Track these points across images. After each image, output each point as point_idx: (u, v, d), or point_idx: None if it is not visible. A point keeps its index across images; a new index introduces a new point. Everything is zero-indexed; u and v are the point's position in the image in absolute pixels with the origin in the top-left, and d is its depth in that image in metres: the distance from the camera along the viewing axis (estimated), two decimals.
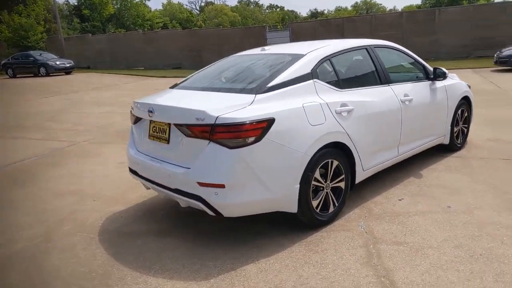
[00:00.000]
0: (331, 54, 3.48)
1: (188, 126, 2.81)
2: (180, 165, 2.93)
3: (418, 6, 75.04)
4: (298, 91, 3.08)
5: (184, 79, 3.99)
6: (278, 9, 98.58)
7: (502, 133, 5.78)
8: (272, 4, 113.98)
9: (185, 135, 2.87)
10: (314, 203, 3.09)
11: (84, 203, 4.15)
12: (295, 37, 23.10)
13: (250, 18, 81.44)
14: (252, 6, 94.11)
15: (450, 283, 2.41)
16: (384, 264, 2.66)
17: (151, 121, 3.24)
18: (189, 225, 3.47)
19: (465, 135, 5.21)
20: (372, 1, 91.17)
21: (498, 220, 3.17)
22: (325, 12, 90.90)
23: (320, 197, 3.14)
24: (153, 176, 3.19)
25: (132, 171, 3.52)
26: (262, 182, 2.77)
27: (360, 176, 3.51)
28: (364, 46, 3.87)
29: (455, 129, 4.89)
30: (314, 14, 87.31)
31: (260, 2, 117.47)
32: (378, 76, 3.82)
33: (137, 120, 3.43)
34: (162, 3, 67.25)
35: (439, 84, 4.54)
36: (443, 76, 4.42)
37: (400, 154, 4.02)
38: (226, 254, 2.93)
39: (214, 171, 2.72)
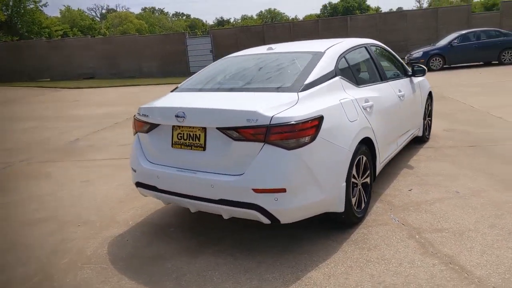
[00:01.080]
0: (345, 51, 3.50)
1: (238, 129, 2.56)
2: (226, 173, 2.66)
3: (318, 16, 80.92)
4: (330, 88, 3.02)
5: (188, 81, 3.65)
6: (184, 17, 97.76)
7: (451, 123, 6.43)
8: (178, 12, 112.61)
9: (232, 139, 2.60)
10: (353, 200, 3.05)
11: (68, 230, 3.56)
12: (217, 44, 23.06)
13: (157, 26, 79.25)
14: (157, 14, 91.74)
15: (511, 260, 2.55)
16: (442, 251, 2.72)
17: (174, 128, 2.89)
18: (214, 238, 3.17)
19: (430, 127, 5.66)
20: (276, 10, 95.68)
21: (506, 198, 3.47)
22: (231, 20, 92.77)
23: (356, 194, 3.11)
24: (184, 189, 2.84)
25: (147, 186, 3.10)
26: (318, 183, 2.64)
27: (378, 170, 3.57)
28: (363, 44, 3.97)
29: (424, 122, 5.28)
30: (221, 22, 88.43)
31: (166, 10, 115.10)
32: (379, 73, 3.95)
33: (151, 127, 3.03)
34: (60, 10, 61.76)
35: (415, 80, 4.88)
36: (423, 73, 4.73)
37: (398, 146, 4.20)
38: (278, 264, 2.73)
39: (273, 175, 2.51)
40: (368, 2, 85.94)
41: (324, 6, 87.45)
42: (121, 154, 6.18)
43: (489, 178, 3.96)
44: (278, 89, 2.90)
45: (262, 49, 3.84)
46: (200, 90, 3.33)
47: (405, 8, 66.85)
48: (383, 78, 3.97)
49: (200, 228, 3.38)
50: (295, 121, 2.50)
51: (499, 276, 2.39)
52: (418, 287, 2.35)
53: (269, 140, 2.50)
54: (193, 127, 2.79)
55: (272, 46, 3.86)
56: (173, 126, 2.91)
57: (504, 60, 14.98)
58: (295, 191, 2.53)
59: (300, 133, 2.50)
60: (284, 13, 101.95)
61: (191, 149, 2.81)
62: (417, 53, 15.71)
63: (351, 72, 3.48)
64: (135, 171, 3.19)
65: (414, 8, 73.60)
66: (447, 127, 6.21)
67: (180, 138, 2.88)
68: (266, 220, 2.59)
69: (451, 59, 15.25)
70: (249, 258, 2.84)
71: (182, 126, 2.84)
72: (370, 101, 3.36)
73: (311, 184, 2.60)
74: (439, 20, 20.50)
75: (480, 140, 5.34)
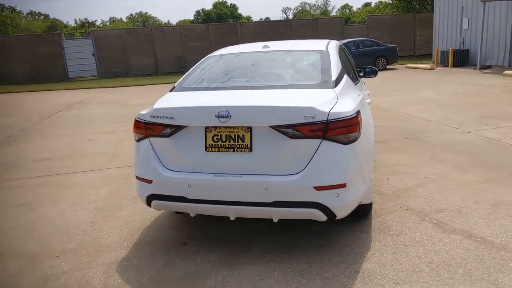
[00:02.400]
0: (339, 51, 3.65)
1: (295, 126, 2.46)
2: (280, 173, 2.53)
3: (192, 21, 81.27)
4: (346, 85, 3.12)
5: (187, 79, 3.31)
6: (42, 17, 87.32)
7: (374, 120, 7.21)
8: (33, 11, 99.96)
9: (289, 137, 2.49)
10: None
11: (46, 265, 2.93)
12: (100, 46, 21.27)
13: (10, 26, 68.89)
14: (8, 12, 79.77)
15: None
16: (456, 227, 3.06)
17: (208, 129, 2.63)
18: (240, 246, 2.98)
19: None
20: (147, 14, 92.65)
21: (470, 179, 4.07)
22: (98, 22, 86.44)
23: None
24: (225, 195, 2.60)
25: (169, 198, 2.74)
26: (363, 176, 2.71)
27: None
28: (340, 44, 4.20)
29: None
30: (84, 24, 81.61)
31: (18, 8, 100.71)
32: (354, 71, 4.23)
33: (176, 130, 2.68)
34: None
35: (363, 80, 5.35)
36: (375, 73, 5.20)
37: None
38: (327, 261, 2.71)
39: (333, 171, 2.49)
40: (239, 11, 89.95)
41: (198, 12, 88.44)
42: (45, 170, 5.31)
43: (444, 164, 4.59)
44: (312, 86, 2.88)
45: (257, 47, 3.73)
46: (219, 88, 3.07)
47: (272, 18, 72.19)
48: (357, 76, 4.26)
49: (216, 238, 3.13)
50: (348, 116, 2.53)
51: None
52: (463, 261, 2.61)
53: (327, 136, 2.48)
54: (235, 127, 2.58)
55: (267, 44, 3.79)
56: (206, 128, 2.64)
57: (378, 67, 17.35)
58: (352, 185, 2.56)
59: (353, 128, 2.54)
60: (156, 17, 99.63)
61: (234, 151, 2.60)
62: None
63: (347, 70, 3.66)
64: (149, 182, 2.78)
65: (282, 18, 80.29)
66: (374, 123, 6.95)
67: (217, 140, 2.62)
68: (323, 218, 2.56)
69: None
70: (294, 260, 2.76)
71: (220, 127, 2.60)
72: (367, 98, 3.59)
73: (360, 178, 2.66)
74: (319, 30, 22.67)
75: (410, 132, 6.14)
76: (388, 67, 17.77)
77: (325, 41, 3.80)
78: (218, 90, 3.02)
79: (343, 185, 2.50)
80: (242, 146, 2.58)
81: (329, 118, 2.47)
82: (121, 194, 4.27)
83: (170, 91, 3.21)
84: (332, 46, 3.58)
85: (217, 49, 4.00)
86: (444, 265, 2.58)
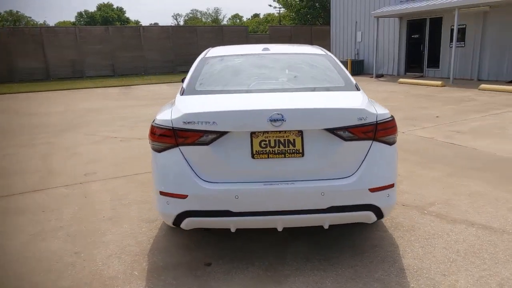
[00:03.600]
0: None
1: (349, 128, 2.42)
2: (334, 177, 2.45)
3: (73, 23, 74.91)
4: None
5: (199, 81, 2.97)
6: None
7: None
8: None
9: (343, 139, 2.42)
10: None
11: None
12: None
13: None
14: None
15: None
16: (459, 218, 3.36)
17: (254, 135, 2.41)
18: (269, 259, 2.80)
19: None
20: (20, 13, 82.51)
21: (438, 174, 4.51)
22: None
23: None
24: (276, 205, 2.41)
25: (209, 213, 2.43)
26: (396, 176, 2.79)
27: None
28: None
29: None
30: None
31: None
32: None
33: (217, 137, 2.40)
34: None
35: None
36: None
37: None
38: (369, 263, 2.72)
39: (384, 171, 2.51)
40: (127, 15, 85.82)
41: (80, 14, 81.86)
42: None
43: (405, 162, 5.00)
44: (340, 88, 2.86)
45: (257, 49, 3.55)
46: (252, 91, 2.82)
47: (160, 24, 70.29)
48: None
49: (240, 253, 2.89)
50: (390, 118, 2.58)
51: None
52: (482, 247, 2.87)
53: (377, 137, 2.49)
54: (285, 132, 2.42)
55: (268, 46, 3.63)
56: (252, 133, 2.42)
57: None
58: (395, 185, 2.61)
59: (395, 129, 2.60)
60: (30, 17, 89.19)
61: (285, 157, 2.43)
62: None
63: None
64: (183, 197, 2.44)
65: (173, 24, 78.87)
66: None
67: (265, 146, 2.42)
68: (373, 220, 2.55)
69: None
70: (336, 266, 2.70)
71: (269, 132, 2.41)
72: None
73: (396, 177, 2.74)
74: (224, 37, 22.88)
75: None
76: None
77: (312, 46, 3.83)
78: (252, 92, 2.78)
79: (392, 185, 2.54)
80: (294, 151, 2.43)
81: (378, 120, 2.49)
82: (90, 216, 3.66)
83: (182, 94, 2.87)
84: (326, 50, 3.63)
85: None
86: (470, 253, 2.80)
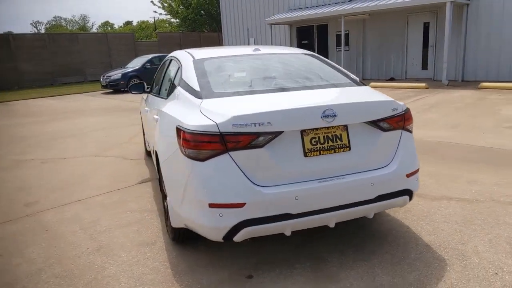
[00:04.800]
0: None
1: (386, 119, 2.54)
2: (377, 167, 2.54)
3: None
4: None
5: (217, 86, 2.75)
6: None
7: None
8: None
9: (382, 130, 2.53)
10: None
11: None
12: None
13: None
14: None
15: None
16: (442, 195, 3.79)
17: (305, 132, 2.36)
18: (311, 262, 2.78)
19: None
20: None
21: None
22: None
23: None
24: (331, 201, 2.40)
25: (268, 219, 2.29)
26: None
27: None
28: None
29: None
30: None
31: None
32: None
33: (271, 138, 2.27)
34: None
35: None
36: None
37: None
38: (398, 247, 2.90)
39: (412, 157, 2.70)
40: None
41: None
42: None
43: None
44: (351, 84, 2.97)
45: (248, 50, 3.42)
46: (277, 90, 2.73)
47: (15, 32, 62.08)
48: None
49: (273, 260, 2.78)
50: (407, 108, 2.80)
51: None
52: (480, 215, 3.28)
53: (404, 126, 2.67)
54: (332, 127, 2.42)
55: (260, 47, 3.52)
56: (303, 131, 2.36)
57: None
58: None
59: (412, 118, 2.83)
60: None
61: (335, 152, 2.43)
62: (116, 75, 15.94)
63: None
64: (240, 206, 2.24)
65: (31, 32, 70.31)
66: None
67: (315, 143, 2.39)
68: (406, 203, 2.72)
69: (147, 80, 16.52)
70: (373, 255, 2.79)
71: (318, 129, 2.38)
72: None
73: None
74: (110, 45, 21.33)
75: None
76: None
77: (292, 47, 3.91)
78: (280, 91, 2.69)
79: (418, 170, 2.76)
80: (341, 145, 2.45)
81: (404, 110, 2.68)
82: (69, 251, 3.09)
83: (200, 97, 2.62)
84: (307, 51, 3.74)
85: None
86: (467, 222, 3.18)
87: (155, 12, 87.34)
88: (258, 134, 2.27)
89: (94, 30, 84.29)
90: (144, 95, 5.17)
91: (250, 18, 19.23)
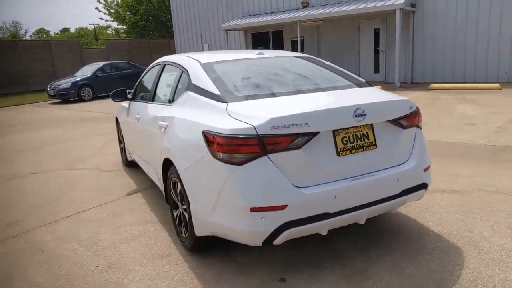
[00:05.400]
0: None
1: (405, 117, 2.67)
2: (399, 163, 2.66)
3: None
4: None
5: (239, 88, 2.73)
6: None
7: None
8: None
9: (403, 128, 2.65)
10: None
11: None
12: None
13: None
14: None
15: None
16: (438, 188, 4.00)
17: (337, 132, 2.41)
18: (345, 263, 2.83)
19: None
20: None
21: None
22: None
23: None
24: (363, 199, 2.46)
25: (308, 220, 2.30)
26: None
27: None
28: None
29: None
30: None
31: None
32: None
33: (308, 139, 2.29)
34: None
35: None
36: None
37: None
38: (414, 240, 3.03)
39: (426, 153, 2.84)
40: None
41: None
42: None
43: None
44: (362, 85, 3.07)
45: (252, 54, 3.41)
46: (301, 91, 2.76)
47: None
48: None
49: (295, 262, 2.79)
50: (417, 107, 2.95)
51: None
52: (473, 203, 3.53)
53: (417, 123, 2.82)
54: (360, 127, 2.49)
55: (261, 52, 3.52)
56: (334, 131, 2.40)
57: None
58: None
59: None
60: None
61: (363, 150, 2.50)
62: (65, 84, 15.05)
63: None
64: (282, 208, 2.23)
65: None
66: None
67: (346, 142, 2.44)
68: (422, 196, 2.85)
69: (99, 89, 15.82)
70: (393, 248, 2.90)
71: (348, 128, 2.44)
72: None
73: None
74: (54, 52, 20.11)
75: None
76: None
77: (288, 52, 3.97)
78: (305, 93, 2.72)
79: (430, 165, 2.91)
80: (369, 143, 2.53)
81: (416, 108, 2.82)
82: (77, 270, 2.88)
83: (223, 101, 2.57)
84: (304, 54, 3.83)
85: None
86: (465, 211, 3.40)
87: (101, 18, 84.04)
88: (296, 135, 2.27)
89: (27, 37, 79.01)
90: (125, 103, 4.94)
91: (203, 24, 19.12)
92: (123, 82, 16.65)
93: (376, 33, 14.05)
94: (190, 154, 2.60)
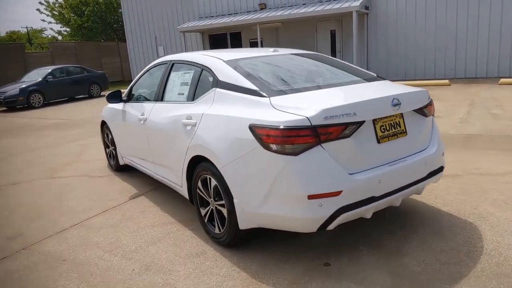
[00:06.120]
0: None
1: (427, 106, 2.92)
2: (424, 148, 2.89)
3: None
4: None
5: (275, 83, 2.83)
6: None
7: None
8: None
9: (425, 116, 2.89)
10: None
11: None
12: None
13: None
14: None
15: None
16: None
17: (376, 121, 2.59)
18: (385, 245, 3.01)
19: None
20: None
21: None
22: None
23: None
24: (400, 182, 2.66)
25: (359, 204, 2.45)
26: None
27: None
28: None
29: None
30: None
31: None
32: None
33: (356, 128, 2.44)
34: None
35: None
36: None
37: None
38: (430, 226, 3.29)
39: (440, 139, 3.11)
40: None
41: None
42: None
43: None
44: (380, 78, 3.28)
45: (268, 51, 3.51)
46: (331, 85, 2.92)
47: None
48: None
49: (333, 248, 2.93)
50: None
51: None
52: (475, 184, 3.89)
53: (433, 112, 3.08)
54: (394, 116, 2.69)
55: (276, 49, 3.62)
56: (374, 120, 2.57)
57: (93, 93, 16.60)
58: None
59: None
60: None
61: (397, 137, 2.69)
62: (12, 90, 13.99)
63: None
64: (337, 194, 2.35)
65: None
66: None
67: (383, 130, 2.62)
68: (440, 178, 3.10)
69: (50, 95, 14.92)
70: (417, 233, 3.14)
71: (384, 118, 2.62)
72: None
73: None
74: None
75: None
76: (102, 93, 17.32)
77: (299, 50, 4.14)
78: (337, 86, 2.87)
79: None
80: (401, 131, 2.73)
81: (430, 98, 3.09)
82: (113, 275, 2.80)
83: (267, 96, 2.64)
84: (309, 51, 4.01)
85: None
86: (466, 191, 3.75)
87: (43, 20, 78.70)
88: (346, 125, 2.41)
89: None
90: (117, 106, 4.78)
91: (157, 26, 18.73)
92: (75, 87, 15.94)
93: (333, 34, 14.67)
94: (234, 148, 2.63)
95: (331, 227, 2.44)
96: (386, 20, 13.48)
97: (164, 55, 18.94)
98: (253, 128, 2.50)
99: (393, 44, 13.50)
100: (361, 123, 2.48)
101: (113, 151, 5.23)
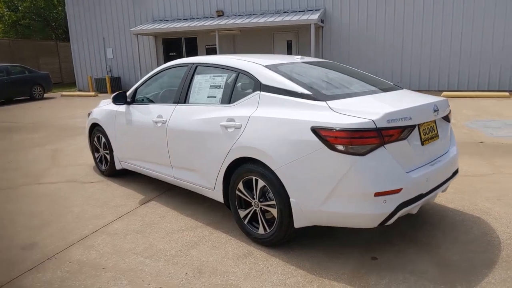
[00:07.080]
0: None
1: (449, 113, 3.29)
2: (449, 149, 3.25)
3: None
4: None
5: (318, 87, 2.96)
6: None
7: None
8: None
9: (448, 121, 3.27)
10: None
11: None
12: None
13: None
14: None
15: None
16: None
17: (420, 125, 2.87)
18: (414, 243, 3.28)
19: None
20: None
21: None
22: None
23: None
24: (439, 180, 2.99)
25: (412, 201, 2.70)
26: None
27: None
28: None
29: None
30: None
31: None
32: None
33: (410, 131, 2.72)
34: None
35: None
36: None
37: None
38: (450, 222, 3.66)
39: (454, 140, 3.50)
40: None
41: None
42: None
43: None
44: (398, 87, 3.59)
45: (296, 59, 3.67)
46: (368, 92, 3.16)
47: None
48: None
49: (376, 245, 3.16)
50: None
51: None
52: (473, 183, 4.37)
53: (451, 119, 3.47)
54: (431, 121, 2.99)
55: (302, 57, 3.78)
56: (419, 124, 2.85)
57: (35, 95, 15.38)
58: None
59: None
60: None
61: (433, 140, 3.00)
62: None
63: None
64: (398, 191, 2.57)
65: None
66: None
67: (425, 134, 2.91)
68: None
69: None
70: (443, 227, 3.47)
71: (424, 123, 2.91)
72: None
73: None
74: None
75: None
76: (45, 96, 16.11)
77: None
78: (380, 93, 3.15)
79: None
80: (435, 135, 3.05)
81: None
82: (170, 282, 2.74)
83: (318, 100, 2.79)
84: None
85: None
86: (465, 189, 4.21)
87: None
88: (404, 128, 2.66)
89: None
90: (117, 107, 4.61)
91: (106, 26, 17.92)
92: (17, 87, 14.74)
93: (289, 45, 15.20)
94: (292, 149, 2.73)
95: (390, 222, 2.65)
96: (340, 34, 14.32)
97: (114, 57, 18.16)
98: (316, 130, 2.63)
99: (346, 56, 14.37)
100: (414, 126, 2.75)
101: (106, 155, 5.00)
